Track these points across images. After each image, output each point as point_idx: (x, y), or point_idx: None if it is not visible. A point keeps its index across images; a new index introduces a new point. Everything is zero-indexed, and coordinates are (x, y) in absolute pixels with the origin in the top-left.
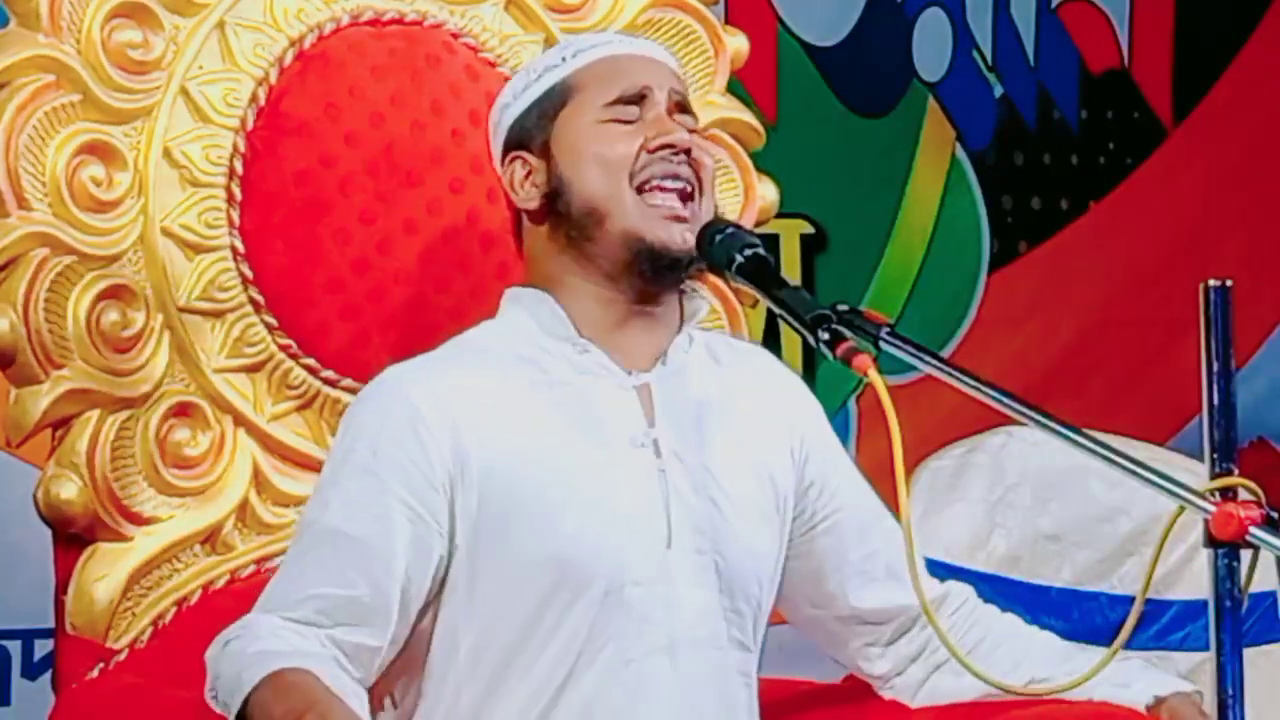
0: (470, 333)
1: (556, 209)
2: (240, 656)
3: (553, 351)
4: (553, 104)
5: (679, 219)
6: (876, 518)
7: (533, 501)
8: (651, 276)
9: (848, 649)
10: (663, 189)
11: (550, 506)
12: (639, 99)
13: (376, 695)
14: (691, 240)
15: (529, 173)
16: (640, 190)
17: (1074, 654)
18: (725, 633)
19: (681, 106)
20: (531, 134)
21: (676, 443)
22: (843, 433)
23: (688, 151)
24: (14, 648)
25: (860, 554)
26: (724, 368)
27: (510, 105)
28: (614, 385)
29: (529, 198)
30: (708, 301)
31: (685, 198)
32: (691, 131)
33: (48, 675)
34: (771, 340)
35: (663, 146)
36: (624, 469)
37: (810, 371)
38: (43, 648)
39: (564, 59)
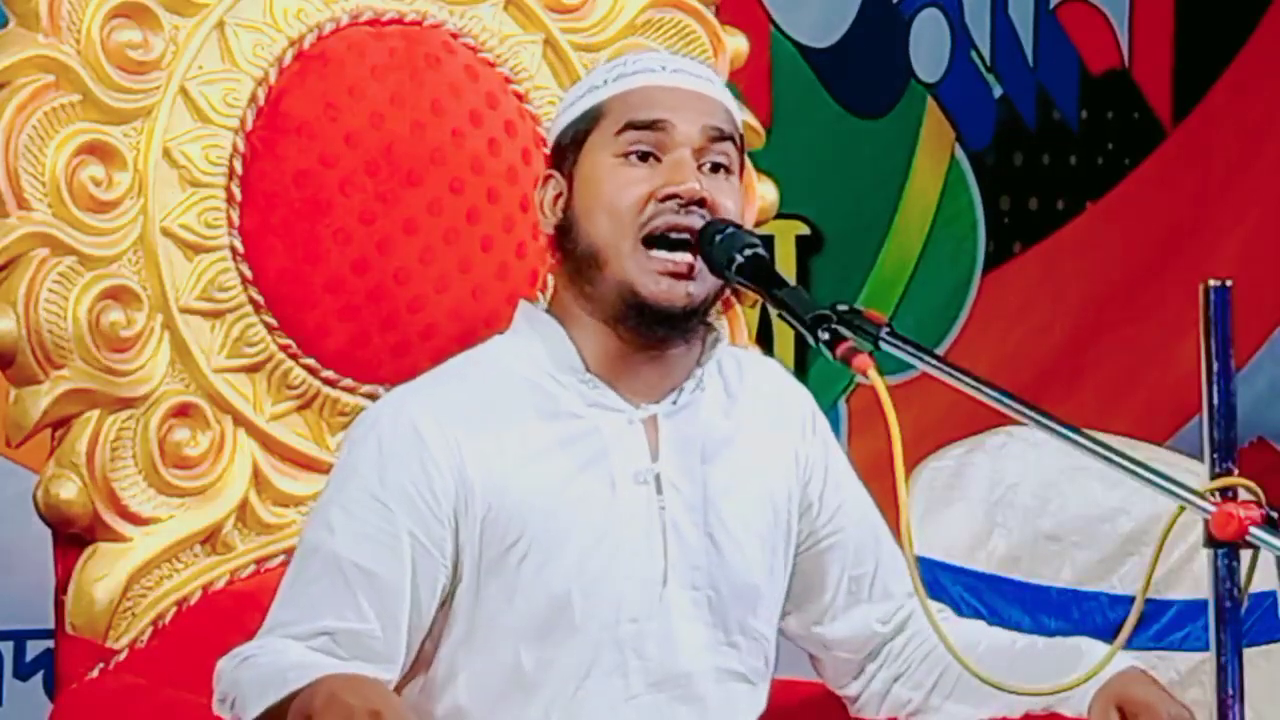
0: (479, 350)
1: (564, 245)
2: (271, 667)
3: (563, 381)
4: (584, 127)
5: (678, 275)
6: (874, 539)
7: (534, 536)
8: (647, 328)
9: (824, 670)
10: (668, 240)
11: (550, 542)
12: (652, 125)
13: None
14: (695, 293)
15: (558, 195)
16: (646, 241)
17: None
18: (724, 665)
19: (716, 138)
20: (565, 154)
21: (678, 477)
22: (834, 433)
23: (700, 201)
24: (6, 648)
25: (852, 575)
26: (734, 396)
27: (558, 118)
28: (622, 421)
29: (549, 224)
30: (724, 338)
31: (697, 247)
32: (720, 169)
33: (40, 676)
34: (764, 340)
35: (670, 197)
36: (625, 505)
37: (802, 372)
38: (35, 649)
39: (606, 81)
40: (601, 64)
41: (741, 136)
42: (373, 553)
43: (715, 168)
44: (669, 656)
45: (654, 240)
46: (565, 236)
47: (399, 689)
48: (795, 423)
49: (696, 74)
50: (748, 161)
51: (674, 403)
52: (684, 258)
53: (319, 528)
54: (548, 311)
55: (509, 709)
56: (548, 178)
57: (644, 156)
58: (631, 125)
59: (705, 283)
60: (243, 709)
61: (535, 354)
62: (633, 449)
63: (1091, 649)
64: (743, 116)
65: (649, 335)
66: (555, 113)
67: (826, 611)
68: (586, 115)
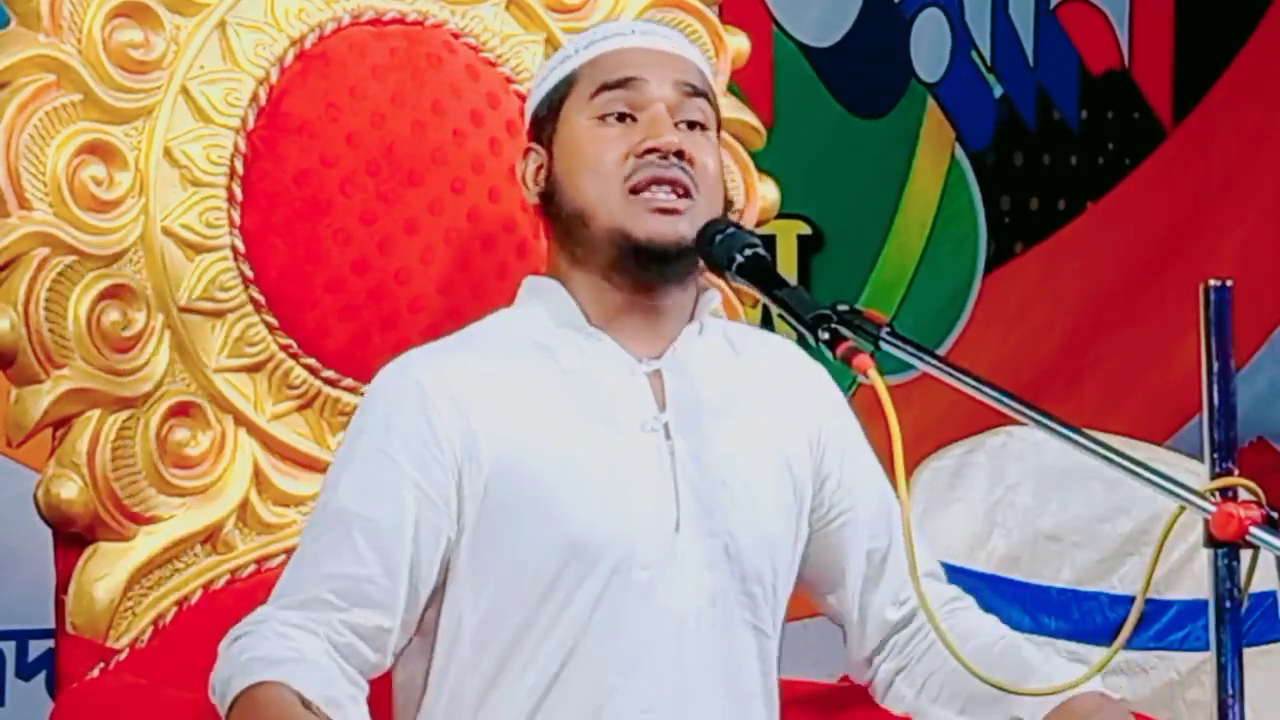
0: (485, 320)
1: (550, 210)
2: (235, 661)
3: (565, 339)
4: (558, 96)
5: (669, 211)
6: (888, 514)
7: (541, 485)
8: (641, 271)
9: (849, 651)
10: (653, 187)
11: (558, 490)
12: (625, 84)
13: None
14: (685, 231)
15: (539, 166)
16: (633, 192)
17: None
18: (737, 616)
19: (691, 93)
20: (542, 126)
21: (687, 426)
22: None
23: (679, 154)
24: (9, 648)
25: (868, 549)
26: (741, 355)
27: (533, 94)
28: (625, 371)
29: (533, 195)
30: (719, 291)
31: (679, 194)
32: (696, 125)
33: (42, 675)
34: None
35: (649, 151)
36: (633, 452)
37: None
38: (37, 648)
39: (576, 50)
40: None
41: (714, 96)
42: (374, 503)
43: (691, 125)
44: (681, 604)
45: (639, 189)
46: (550, 202)
47: (401, 655)
48: (810, 394)
49: (665, 35)
50: (747, 159)
51: (674, 351)
52: (674, 197)
53: (327, 490)
54: (548, 276)
55: (517, 662)
56: (527, 151)
57: (620, 117)
58: (605, 86)
59: (694, 223)
60: (220, 706)
61: (536, 315)
62: (639, 399)
63: (1044, 666)
64: (743, 116)
65: (644, 278)
66: (530, 89)
67: (855, 592)
68: (560, 85)
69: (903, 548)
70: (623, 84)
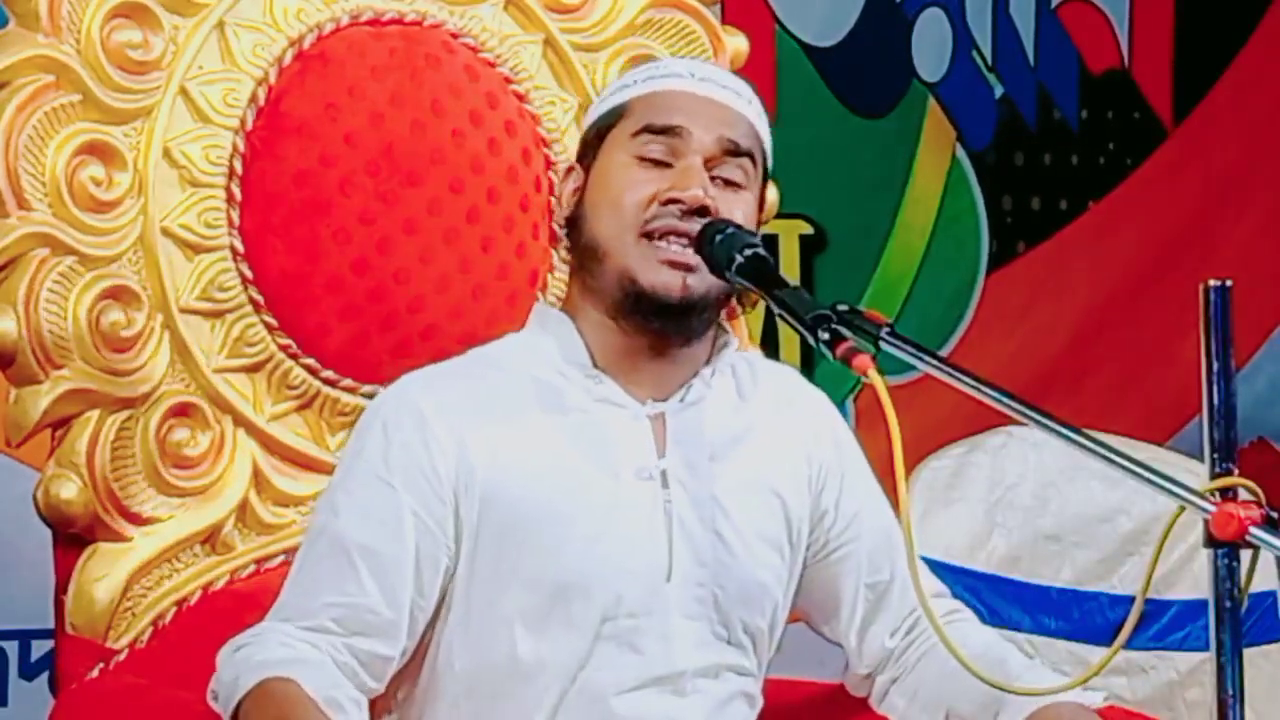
0: (491, 346)
1: (572, 235)
2: (243, 663)
3: (569, 377)
4: (607, 124)
5: (680, 265)
6: (888, 543)
7: (533, 523)
8: (645, 321)
9: (847, 668)
10: (669, 238)
11: (550, 530)
12: (667, 132)
13: (377, 708)
14: (693, 286)
15: (576, 188)
16: (647, 236)
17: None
18: (723, 662)
19: (732, 151)
20: (587, 149)
21: (685, 474)
22: None
23: (702, 210)
24: (11, 648)
25: (868, 583)
26: (746, 398)
27: (590, 112)
28: (627, 416)
29: (561, 215)
30: (734, 343)
31: (697, 249)
32: (732, 184)
33: (45, 676)
34: (770, 341)
35: (673, 201)
36: (628, 499)
37: (809, 372)
38: (40, 648)
39: (636, 80)
40: (641, 66)
41: (764, 155)
42: (375, 531)
43: (727, 183)
44: (667, 652)
45: (656, 236)
46: (573, 228)
47: (395, 687)
48: (809, 429)
49: (725, 85)
50: None
51: (681, 400)
52: (686, 251)
53: (324, 511)
54: (562, 310)
55: (505, 701)
56: (569, 170)
57: (657, 162)
58: (649, 129)
59: (705, 280)
60: (223, 709)
61: (544, 350)
62: (638, 444)
63: (1026, 674)
64: (765, 128)
65: (648, 327)
66: (590, 107)
67: (851, 623)
68: (611, 112)
69: (905, 581)
70: (666, 130)
